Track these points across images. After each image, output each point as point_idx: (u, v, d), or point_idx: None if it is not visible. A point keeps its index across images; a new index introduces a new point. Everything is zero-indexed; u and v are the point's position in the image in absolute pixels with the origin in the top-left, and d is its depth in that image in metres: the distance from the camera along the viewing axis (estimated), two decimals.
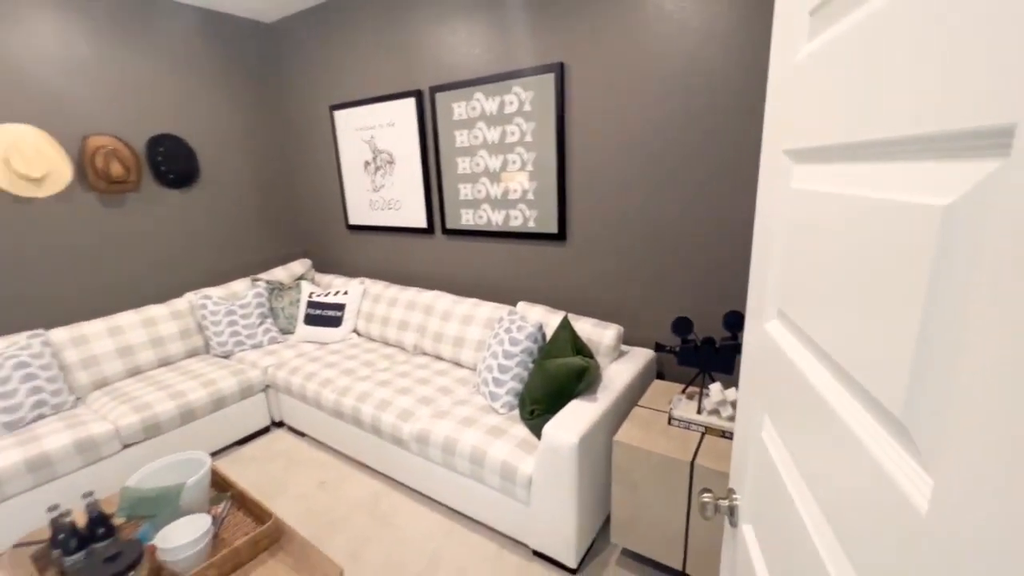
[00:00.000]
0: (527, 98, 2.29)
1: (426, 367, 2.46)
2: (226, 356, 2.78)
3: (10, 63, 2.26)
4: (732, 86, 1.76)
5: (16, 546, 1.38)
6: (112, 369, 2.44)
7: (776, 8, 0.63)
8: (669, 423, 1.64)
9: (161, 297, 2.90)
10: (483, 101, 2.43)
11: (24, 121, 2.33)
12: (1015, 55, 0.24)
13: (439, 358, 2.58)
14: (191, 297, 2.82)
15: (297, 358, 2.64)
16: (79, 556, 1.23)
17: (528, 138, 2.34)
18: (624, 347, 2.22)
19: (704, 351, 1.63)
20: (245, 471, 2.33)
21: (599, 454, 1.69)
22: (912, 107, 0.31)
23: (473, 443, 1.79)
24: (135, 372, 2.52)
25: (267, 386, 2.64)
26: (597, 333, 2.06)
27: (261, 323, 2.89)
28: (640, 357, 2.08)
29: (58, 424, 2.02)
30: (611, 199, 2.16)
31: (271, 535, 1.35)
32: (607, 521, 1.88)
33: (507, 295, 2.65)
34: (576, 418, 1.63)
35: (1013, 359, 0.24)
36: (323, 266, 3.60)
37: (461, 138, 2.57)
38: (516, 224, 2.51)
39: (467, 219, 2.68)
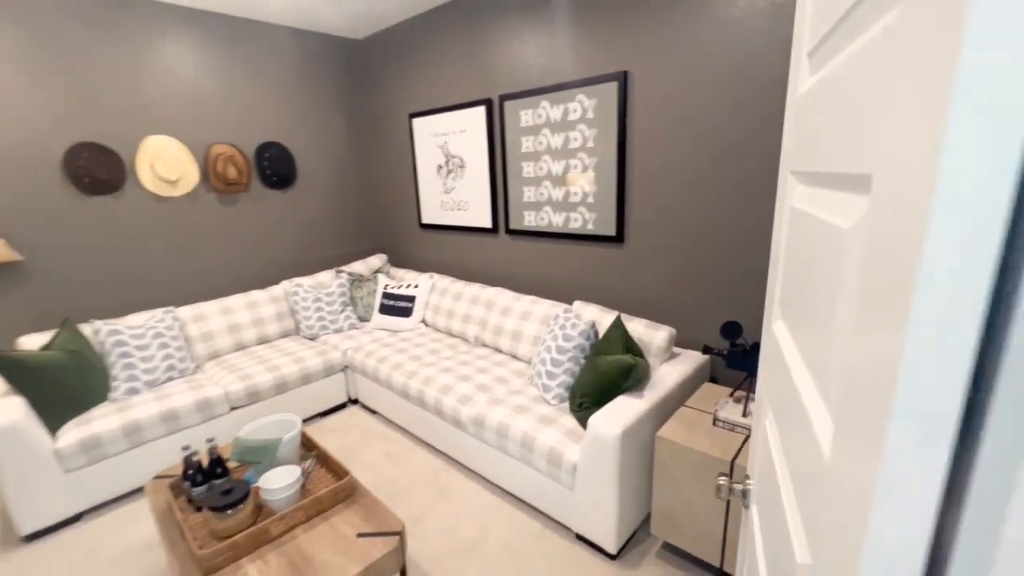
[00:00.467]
0: (590, 105, 2.39)
1: (485, 358, 2.64)
2: (312, 338, 3.14)
3: (159, 87, 2.73)
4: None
5: (156, 478, 1.72)
6: (223, 343, 2.86)
7: (794, 42, 0.71)
8: (714, 424, 1.68)
9: (262, 283, 3.34)
10: (548, 109, 2.56)
11: (166, 133, 2.81)
12: (872, 125, 0.33)
13: (498, 350, 2.76)
14: (286, 285, 3.21)
15: (372, 343, 2.94)
16: (202, 488, 1.53)
17: (590, 144, 2.44)
18: (677, 349, 2.26)
19: (752, 355, 1.65)
20: (325, 439, 2.64)
21: (642, 449, 1.76)
22: (828, 150, 0.40)
23: (524, 429, 1.94)
24: (240, 347, 2.94)
25: (346, 367, 2.96)
26: (649, 334, 2.12)
27: (342, 310, 3.24)
28: (692, 360, 2.12)
29: (183, 386, 2.43)
30: (668, 204, 2.20)
31: (347, 489, 1.58)
32: (650, 516, 1.94)
33: (564, 293, 2.76)
34: (621, 412, 1.72)
35: (872, 352, 0.33)
36: (397, 261, 3.92)
37: (526, 144, 2.72)
38: (576, 226, 2.61)
39: (529, 220, 2.83)
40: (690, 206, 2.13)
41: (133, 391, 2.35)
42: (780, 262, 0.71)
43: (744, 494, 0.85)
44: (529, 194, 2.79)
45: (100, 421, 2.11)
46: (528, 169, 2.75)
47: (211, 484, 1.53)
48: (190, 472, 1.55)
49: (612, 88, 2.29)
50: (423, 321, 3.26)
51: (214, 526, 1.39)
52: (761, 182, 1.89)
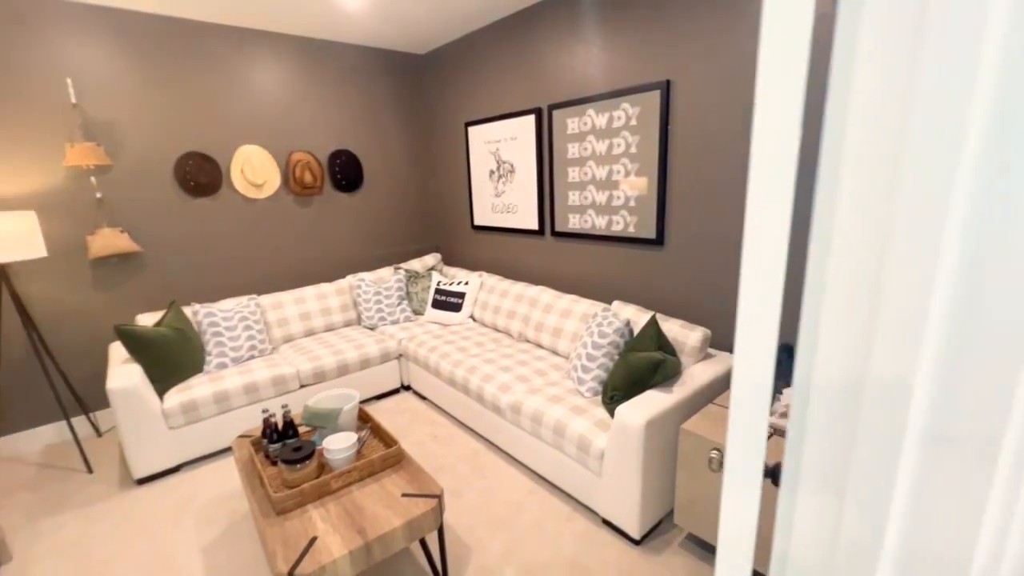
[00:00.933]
0: (634, 113, 2.49)
1: (527, 352, 2.80)
2: (372, 328, 3.44)
3: (250, 103, 3.14)
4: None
5: (240, 437, 2.03)
6: (295, 329, 3.22)
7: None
8: None
9: (330, 277, 3.70)
10: (594, 116, 2.69)
11: (254, 143, 3.21)
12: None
13: (539, 345, 2.91)
14: (350, 279, 3.54)
15: (424, 334, 3.18)
16: (278, 445, 1.80)
17: (633, 150, 2.54)
18: (712, 351, 2.30)
19: (780, 357, 1.70)
20: (379, 418, 2.91)
21: (667, 441, 1.85)
22: None
23: (557, 417, 2.07)
24: (310, 333, 3.29)
25: (400, 355, 3.23)
26: (683, 334, 2.19)
27: (399, 304, 3.52)
28: (726, 361, 2.16)
29: (262, 363, 2.78)
30: (708, 209, 2.26)
31: (395, 456, 1.79)
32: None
33: (604, 293, 2.86)
34: (648, 404, 1.81)
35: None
36: (450, 259, 4.18)
37: (572, 150, 2.85)
38: (618, 229, 2.71)
39: (574, 223, 2.96)
40: (730, 211, 2.18)
41: (222, 365, 2.72)
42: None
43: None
44: (574, 198, 2.92)
45: (196, 389, 2.48)
46: (573, 174, 2.88)
47: (284, 442, 1.80)
48: (268, 432, 1.82)
49: (655, 96, 2.38)
50: (472, 316, 3.47)
51: (286, 477, 1.64)
52: (805, 190, 1.91)
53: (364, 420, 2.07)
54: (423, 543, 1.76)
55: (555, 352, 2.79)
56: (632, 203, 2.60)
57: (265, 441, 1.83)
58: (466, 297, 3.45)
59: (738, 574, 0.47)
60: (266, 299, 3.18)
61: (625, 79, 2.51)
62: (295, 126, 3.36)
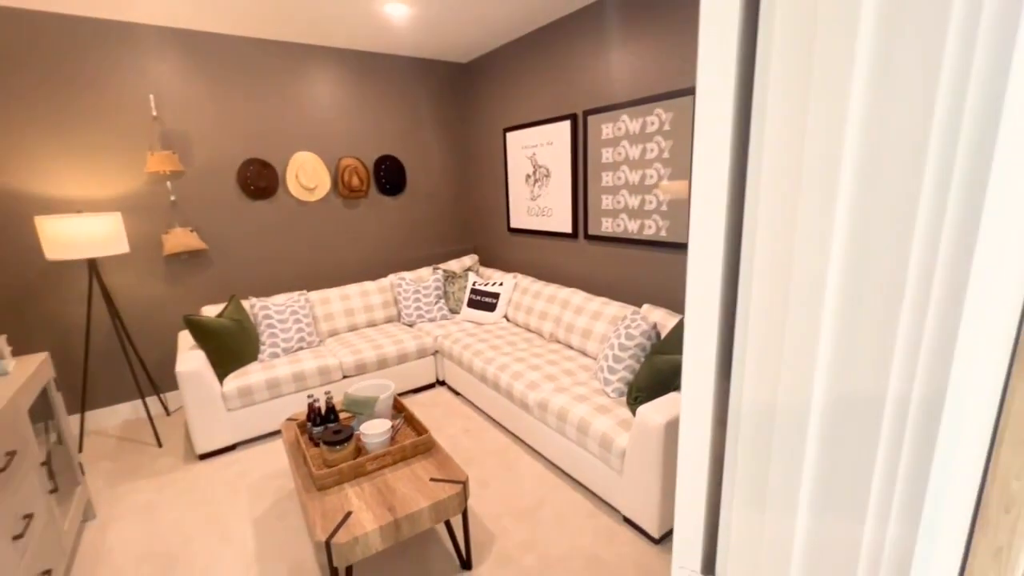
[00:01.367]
0: (667, 118, 2.52)
1: (557, 352, 2.87)
2: (410, 325, 3.61)
3: (304, 112, 3.39)
4: None
5: (288, 420, 2.22)
6: (340, 324, 3.44)
7: None
8: None
9: (373, 275, 3.91)
10: (628, 122, 2.73)
11: (307, 149, 3.46)
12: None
13: (569, 346, 2.97)
14: (392, 277, 3.73)
15: (459, 332, 3.31)
16: (320, 428, 1.97)
17: (665, 155, 2.56)
18: None
19: None
20: (413, 410, 3.06)
21: None
22: None
23: (582, 415, 2.13)
24: (353, 328, 3.50)
25: (436, 351, 3.37)
26: None
27: (437, 302, 3.67)
28: None
29: (309, 354, 3.00)
30: None
31: (426, 444, 1.91)
32: None
33: (635, 296, 2.89)
34: (670, 405, 1.84)
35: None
36: (487, 261, 4.30)
37: (606, 155, 2.90)
38: (649, 233, 2.74)
39: (606, 226, 3.00)
40: None
41: (274, 355, 2.96)
42: None
43: None
44: (607, 202, 2.96)
45: (252, 375, 2.71)
46: (607, 178, 2.93)
47: (326, 426, 1.96)
48: (312, 416, 2.00)
49: (688, 102, 2.40)
50: (505, 316, 3.57)
51: (326, 457, 1.80)
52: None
53: (399, 409, 2.21)
54: (448, 526, 1.87)
55: (584, 353, 2.84)
56: (664, 208, 2.62)
57: (309, 424, 2.00)
58: (500, 297, 3.55)
59: (690, 554, 0.54)
60: (314, 295, 3.41)
61: (658, 85, 2.53)
62: (345, 133, 3.59)
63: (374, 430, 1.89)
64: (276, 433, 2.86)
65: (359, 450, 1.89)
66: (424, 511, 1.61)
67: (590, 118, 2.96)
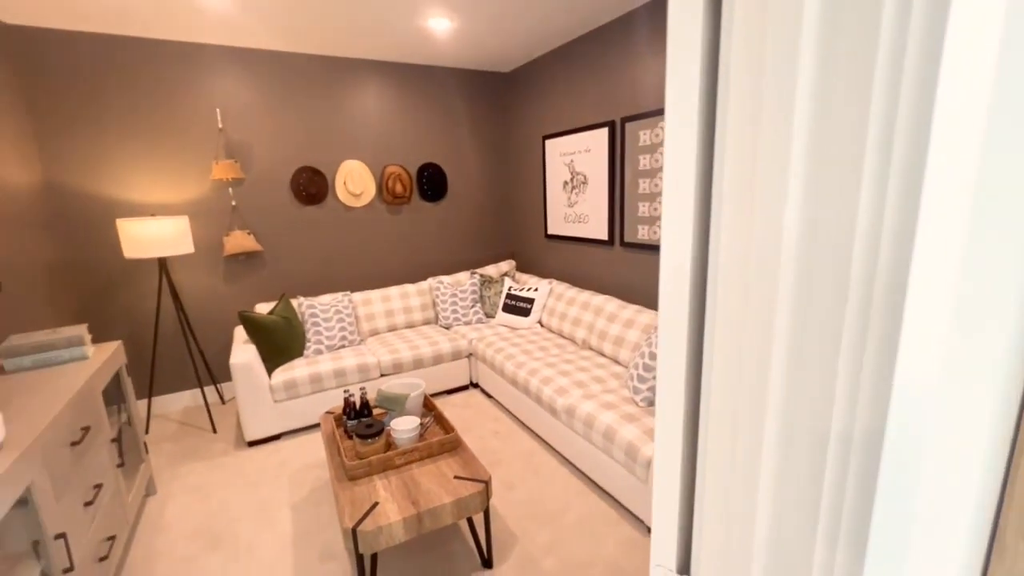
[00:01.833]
0: None
1: (588, 359, 2.86)
2: (447, 327, 3.71)
3: (352, 122, 3.58)
4: None
5: (326, 413, 2.35)
6: (380, 324, 3.58)
7: None
8: None
9: (412, 278, 4.05)
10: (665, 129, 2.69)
11: (355, 157, 3.64)
12: None
13: (601, 353, 2.95)
14: (431, 281, 3.85)
15: (493, 336, 3.37)
16: (354, 422, 2.07)
17: None
18: None
19: None
20: (445, 410, 3.14)
21: None
22: None
23: (608, 422, 2.13)
24: (392, 328, 3.63)
25: (470, 354, 3.45)
26: None
27: (473, 306, 3.75)
28: None
29: (350, 352, 3.15)
30: None
31: (452, 442, 1.97)
32: None
33: None
34: None
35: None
36: (523, 266, 4.35)
37: (643, 162, 2.88)
38: None
39: (642, 234, 2.98)
40: None
41: (318, 351, 3.13)
42: None
43: None
44: (643, 209, 2.94)
45: (297, 370, 2.88)
46: (644, 185, 2.90)
47: (360, 419, 2.06)
48: (348, 409, 2.10)
49: None
50: (539, 321, 3.60)
51: (358, 449, 1.89)
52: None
53: (429, 408, 2.29)
54: (471, 524, 1.91)
55: (616, 361, 2.82)
56: None
57: (345, 417, 2.11)
58: (535, 303, 3.58)
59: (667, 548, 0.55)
60: (357, 296, 3.58)
61: None
62: (390, 142, 3.76)
63: (404, 426, 1.97)
64: (316, 426, 3.02)
65: (389, 444, 1.98)
66: (447, 507, 1.66)
67: (628, 125, 2.95)
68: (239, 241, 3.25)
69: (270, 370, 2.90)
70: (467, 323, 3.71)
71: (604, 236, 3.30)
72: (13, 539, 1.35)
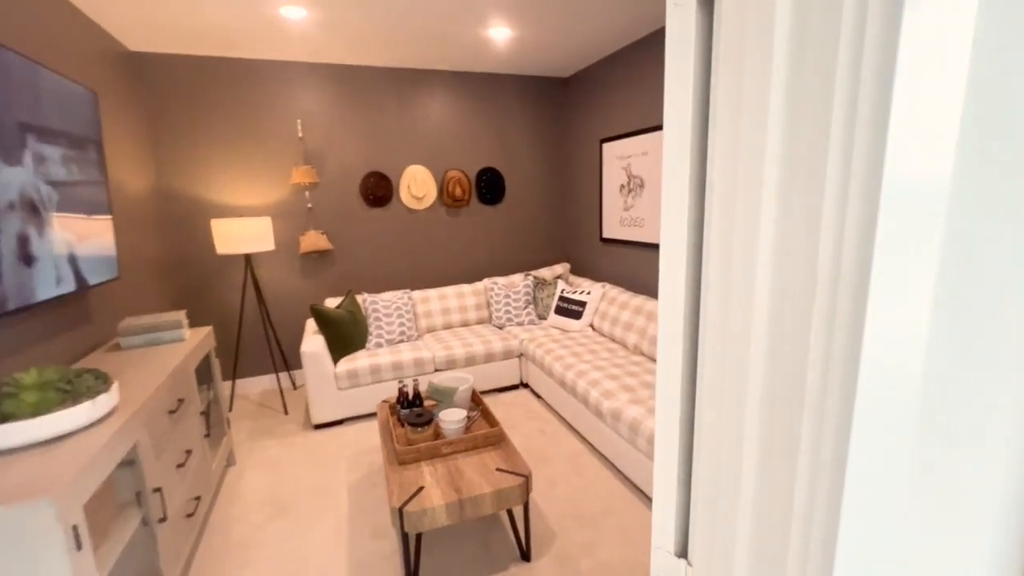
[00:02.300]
0: None
1: (638, 364, 2.83)
2: (499, 327, 3.80)
3: (417, 129, 3.78)
4: None
5: (382, 402, 2.51)
6: (437, 321, 3.75)
7: None
8: None
9: (469, 279, 4.19)
10: None
11: (418, 163, 3.85)
12: None
13: (652, 359, 2.91)
14: (486, 282, 3.97)
15: (544, 337, 3.42)
16: (407, 411, 2.21)
17: None
18: None
19: None
20: (494, 408, 3.23)
21: None
22: None
23: (654, 428, 2.10)
24: (448, 326, 3.79)
25: (521, 354, 3.51)
26: None
27: (525, 307, 3.82)
28: None
29: (407, 347, 3.33)
30: None
31: (496, 436, 2.05)
32: None
33: None
34: None
35: None
36: (578, 270, 4.35)
37: None
38: None
39: None
40: None
41: (379, 345, 3.34)
42: None
43: None
44: None
45: (359, 361, 3.10)
46: None
47: (411, 409, 2.19)
48: (401, 399, 2.24)
49: None
50: (591, 325, 3.60)
51: (409, 436, 2.02)
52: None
53: (477, 403, 2.38)
54: (511, 517, 1.97)
55: None
56: None
57: (398, 406, 2.25)
58: (587, 306, 3.59)
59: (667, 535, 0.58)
60: (416, 294, 3.77)
61: None
62: (451, 147, 3.93)
63: (451, 417, 2.07)
64: (374, 414, 3.22)
65: (437, 434, 2.09)
66: (487, 496, 1.74)
67: None
68: (313, 240, 3.55)
69: (335, 360, 3.13)
70: (519, 324, 3.78)
71: (659, 240, 3.23)
72: (122, 490, 1.59)
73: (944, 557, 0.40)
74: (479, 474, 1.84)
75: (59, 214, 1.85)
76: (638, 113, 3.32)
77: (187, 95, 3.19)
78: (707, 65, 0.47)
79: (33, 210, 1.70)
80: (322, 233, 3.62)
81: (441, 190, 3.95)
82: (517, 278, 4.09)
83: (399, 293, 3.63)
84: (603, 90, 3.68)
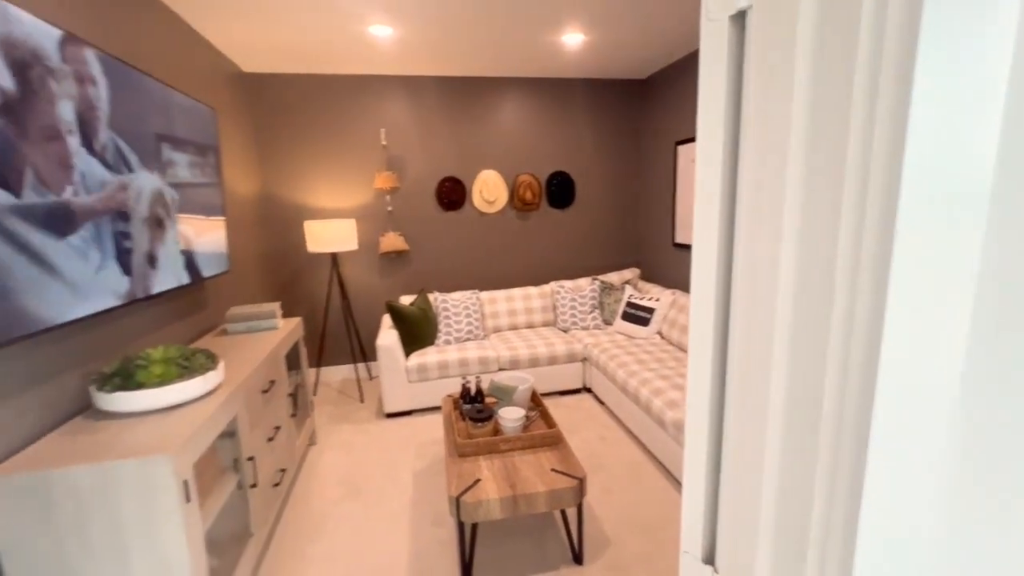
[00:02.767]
0: None
1: None
2: (564, 330, 3.81)
3: (490, 134, 3.91)
4: None
5: (447, 396, 2.63)
6: (503, 322, 3.84)
7: None
8: None
9: (536, 281, 4.24)
10: None
11: (490, 167, 3.97)
12: None
13: None
14: (553, 285, 4.00)
15: (609, 343, 3.38)
16: (469, 406, 2.30)
17: None
18: None
19: None
20: (556, 410, 3.25)
21: None
22: None
23: None
24: (513, 327, 3.86)
25: (584, 358, 3.50)
26: None
27: (591, 311, 3.80)
28: None
29: (473, 345, 3.45)
30: None
31: (554, 437, 2.07)
32: None
33: None
34: None
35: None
36: (648, 275, 4.24)
37: None
38: None
39: None
40: None
41: (447, 342, 3.49)
42: None
43: None
44: None
45: (428, 356, 3.26)
46: None
47: (473, 405, 2.28)
48: (464, 395, 2.34)
49: None
50: (659, 332, 3.50)
51: (470, 430, 2.11)
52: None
53: (536, 404, 2.42)
54: (565, 518, 1.99)
55: None
56: None
57: (461, 401, 2.35)
58: (655, 313, 3.49)
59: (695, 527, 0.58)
60: (484, 295, 3.89)
61: None
62: (522, 152, 4.01)
63: (510, 415, 2.13)
64: (440, 407, 3.37)
65: (496, 430, 2.16)
66: (540, 495, 1.77)
67: None
68: (392, 241, 3.79)
69: (407, 354, 3.33)
70: (584, 328, 3.77)
71: (692, 250, 3.08)
72: (223, 456, 1.83)
73: None
74: (534, 472, 1.88)
75: (183, 215, 2.17)
76: None
77: (288, 109, 3.56)
78: (739, 78, 0.48)
79: (165, 208, 2.01)
80: (400, 235, 3.85)
81: (512, 194, 4.04)
82: (584, 282, 4.07)
83: (468, 293, 3.77)
84: (679, 91, 3.57)
